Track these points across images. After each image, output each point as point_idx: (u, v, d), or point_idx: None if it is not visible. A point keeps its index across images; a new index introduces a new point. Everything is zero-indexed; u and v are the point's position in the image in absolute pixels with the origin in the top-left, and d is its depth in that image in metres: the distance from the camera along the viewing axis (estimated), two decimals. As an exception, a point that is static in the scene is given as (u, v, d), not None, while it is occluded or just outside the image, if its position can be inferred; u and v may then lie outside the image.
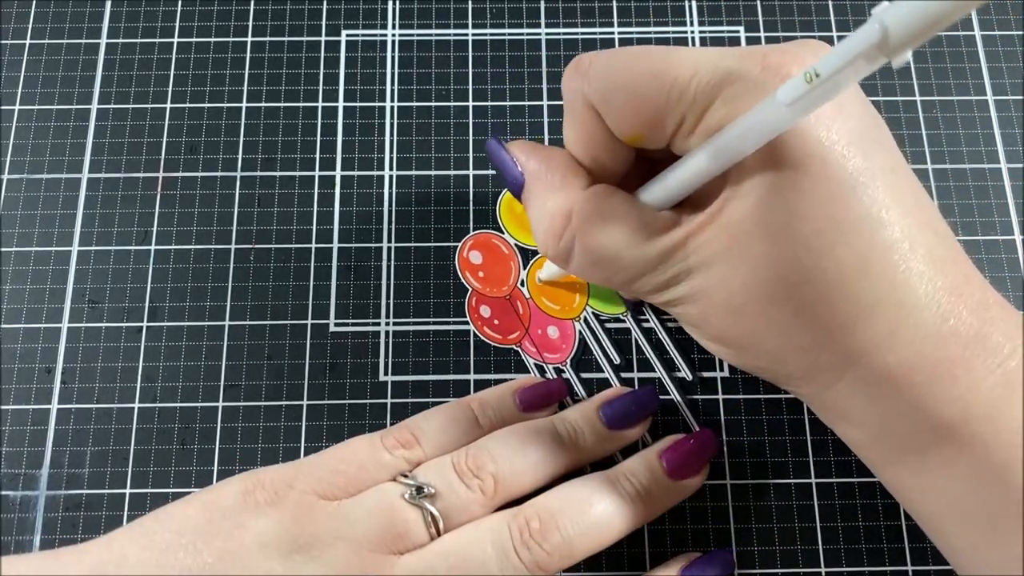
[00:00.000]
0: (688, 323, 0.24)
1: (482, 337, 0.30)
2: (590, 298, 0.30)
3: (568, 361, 0.29)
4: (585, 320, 0.30)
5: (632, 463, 0.26)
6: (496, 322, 0.30)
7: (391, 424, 0.27)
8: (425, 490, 0.24)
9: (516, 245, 0.31)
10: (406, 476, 0.25)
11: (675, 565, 0.26)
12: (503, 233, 0.31)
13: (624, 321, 0.30)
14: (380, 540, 0.23)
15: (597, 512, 0.24)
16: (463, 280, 0.31)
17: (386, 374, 0.30)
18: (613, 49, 0.24)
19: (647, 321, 0.30)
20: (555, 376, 0.29)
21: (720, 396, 0.29)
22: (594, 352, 0.29)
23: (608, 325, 0.30)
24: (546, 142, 0.32)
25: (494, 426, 0.26)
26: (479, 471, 0.24)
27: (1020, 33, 0.34)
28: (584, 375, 0.29)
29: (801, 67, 0.19)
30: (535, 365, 0.29)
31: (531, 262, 0.31)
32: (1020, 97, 0.33)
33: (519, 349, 0.30)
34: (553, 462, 0.25)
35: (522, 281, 0.30)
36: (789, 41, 0.21)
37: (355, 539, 0.23)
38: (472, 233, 0.31)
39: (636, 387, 0.29)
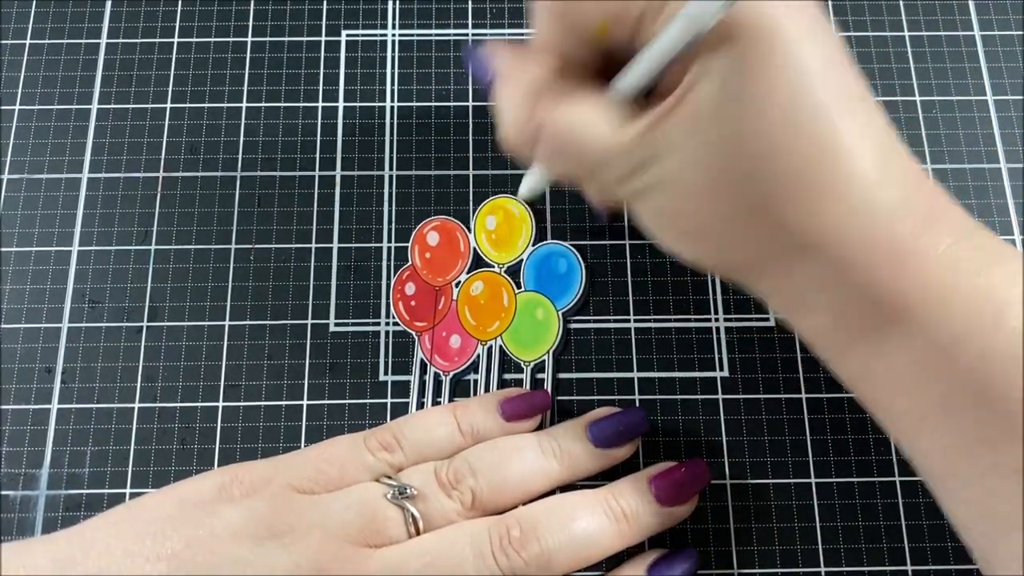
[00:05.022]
0: (655, 217, 0.24)
1: (393, 311, 0.30)
2: (508, 333, 0.30)
3: (450, 374, 0.29)
4: (489, 348, 0.29)
5: (622, 484, 0.26)
6: (413, 304, 0.30)
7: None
8: (408, 491, 0.24)
9: (474, 248, 0.31)
10: (389, 478, 0.24)
11: (641, 563, 0.26)
12: (470, 232, 0.31)
13: (520, 373, 0.29)
14: (358, 533, 0.23)
15: (579, 527, 0.24)
16: (408, 254, 0.31)
17: (386, 374, 0.30)
18: None
19: (541, 372, 0.29)
20: (542, 389, 0.29)
21: (720, 396, 0.29)
22: (474, 377, 0.29)
23: (505, 374, 0.29)
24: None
25: (476, 435, 0.26)
26: (459, 484, 0.24)
27: (1020, 33, 0.34)
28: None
29: None
30: (420, 361, 0.29)
31: (472, 272, 0.30)
32: (1020, 97, 0.33)
33: (416, 338, 0.30)
34: (535, 479, 0.25)
35: (458, 283, 0.30)
36: None
37: (332, 529, 0.22)
38: (441, 218, 0.31)
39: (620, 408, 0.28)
